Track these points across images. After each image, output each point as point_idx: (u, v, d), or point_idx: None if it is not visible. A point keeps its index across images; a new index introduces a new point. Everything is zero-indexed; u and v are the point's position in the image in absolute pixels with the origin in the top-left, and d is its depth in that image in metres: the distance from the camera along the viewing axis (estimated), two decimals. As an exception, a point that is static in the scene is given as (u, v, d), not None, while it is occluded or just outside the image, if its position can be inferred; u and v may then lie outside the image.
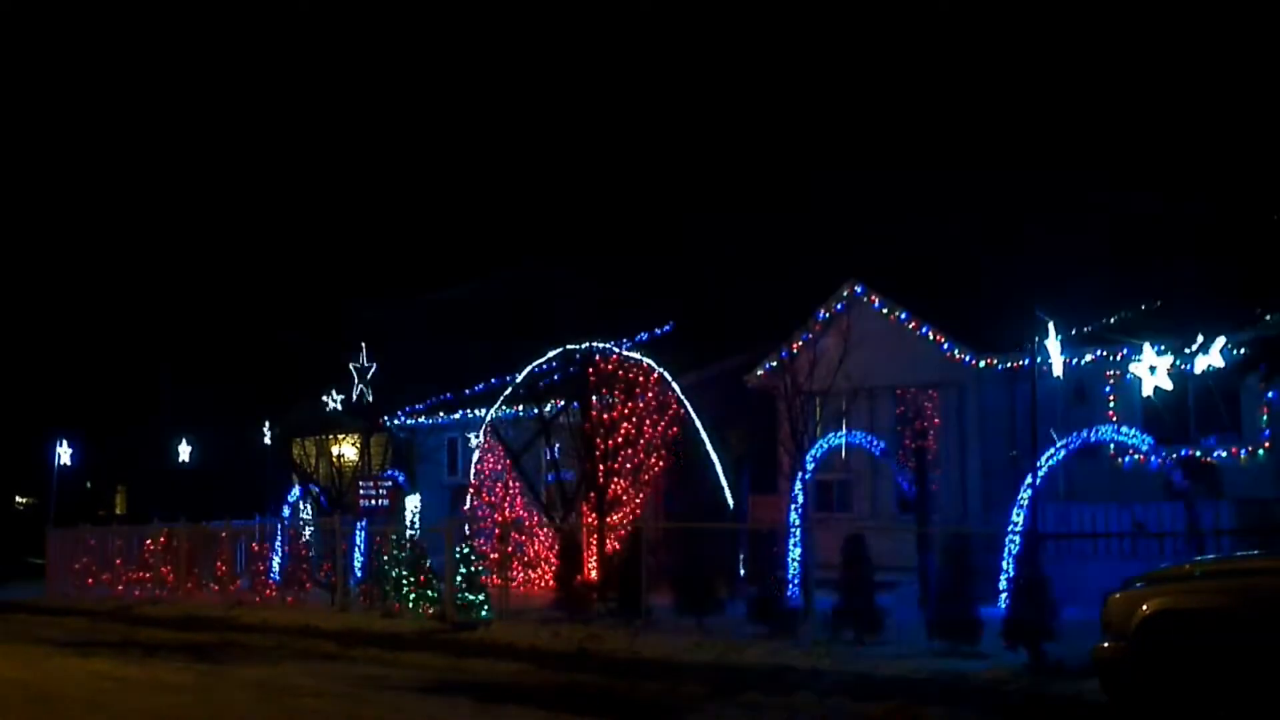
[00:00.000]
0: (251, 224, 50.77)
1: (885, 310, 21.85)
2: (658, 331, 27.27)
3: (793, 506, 19.70)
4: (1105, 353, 19.22)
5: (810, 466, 19.73)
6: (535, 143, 55.73)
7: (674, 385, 22.97)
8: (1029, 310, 15.76)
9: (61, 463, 31.61)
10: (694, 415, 22.83)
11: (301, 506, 28.05)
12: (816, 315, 22.48)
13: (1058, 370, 17.54)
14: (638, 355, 23.38)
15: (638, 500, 22.44)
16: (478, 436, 26.29)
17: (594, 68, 54.87)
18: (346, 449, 29.13)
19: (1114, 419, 18.01)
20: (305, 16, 52.25)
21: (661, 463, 22.84)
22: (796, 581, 17.98)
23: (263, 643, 18.48)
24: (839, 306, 22.18)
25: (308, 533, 24.69)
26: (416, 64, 59.34)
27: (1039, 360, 15.42)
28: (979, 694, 11.96)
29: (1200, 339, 15.79)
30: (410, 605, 20.02)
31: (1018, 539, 15.58)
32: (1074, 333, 19.25)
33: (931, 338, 21.23)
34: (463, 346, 32.94)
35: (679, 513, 21.93)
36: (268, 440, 30.02)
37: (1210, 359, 15.87)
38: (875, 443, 19.90)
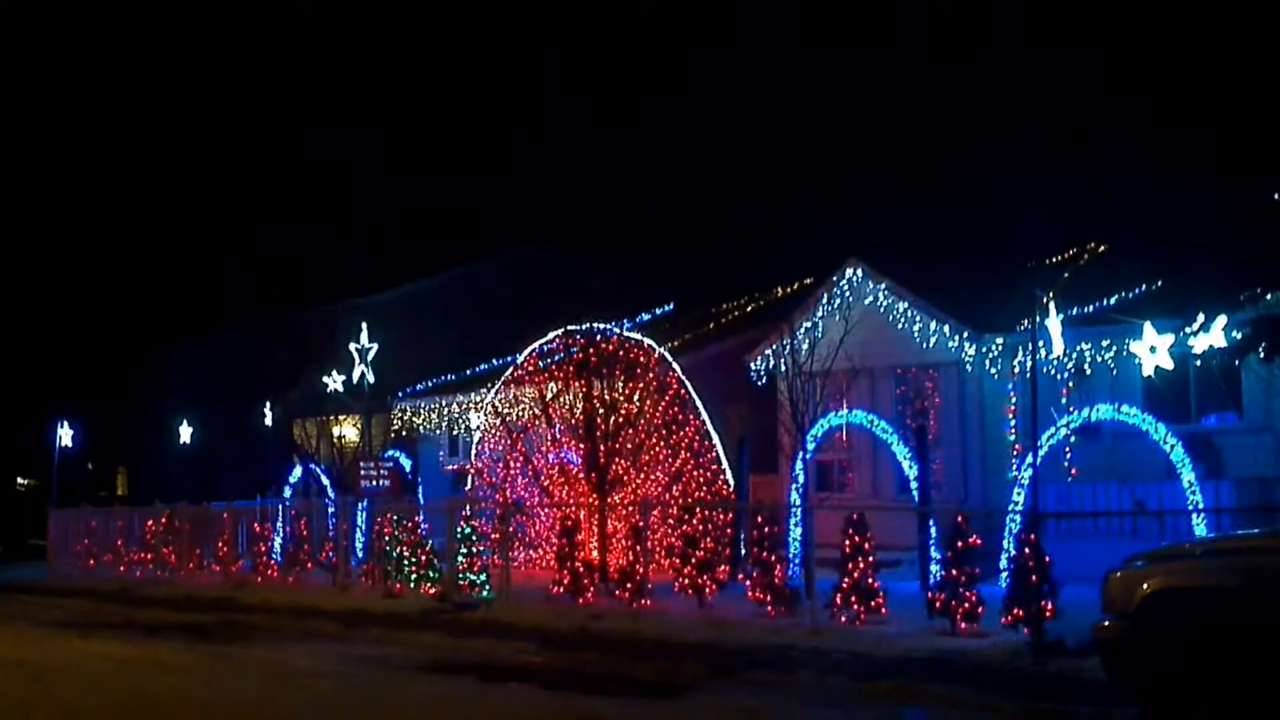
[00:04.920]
0: (251, 204, 50.72)
1: (886, 290, 21.80)
2: (658, 312, 27.23)
3: (793, 486, 19.71)
4: (1106, 332, 19.19)
5: (811, 446, 19.72)
6: (533, 120, 55.60)
7: (674, 365, 22.95)
8: (1030, 290, 15.69)
9: (63, 444, 31.62)
10: (694, 395, 22.82)
11: (302, 487, 28.06)
12: (817, 295, 22.44)
13: (1058, 350, 17.51)
14: (638, 336, 23.36)
15: (638, 480, 22.46)
16: (479, 417, 26.30)
17: (587, 56, 54.72)
18: (348, 430, 29.13)
19: (1114, 399, 18.00)
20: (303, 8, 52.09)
21: (662, 443, 22.84)
22: (797, 561, 18.00)
23: (265, 623, 18.53)
24: (840, 286, 22.14)
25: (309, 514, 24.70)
26: (417, 45, 59.18)
27: (1040, 340, 15.37)
28: (980, 672, 11.98)
29: (1201, 318, 15.72)
30: (412, 586, 20.08)
31: (1018, 518, 15.58)
32: (1075, 312, 19.21)
33: (932, 317, 21.20)
34: (464, 327, 32.94)
35: (680, 493, 21.97)
36: (269, 421, 30.03)
37: (1211, 338, 15.79)
38: (876, 422, 19.89)
